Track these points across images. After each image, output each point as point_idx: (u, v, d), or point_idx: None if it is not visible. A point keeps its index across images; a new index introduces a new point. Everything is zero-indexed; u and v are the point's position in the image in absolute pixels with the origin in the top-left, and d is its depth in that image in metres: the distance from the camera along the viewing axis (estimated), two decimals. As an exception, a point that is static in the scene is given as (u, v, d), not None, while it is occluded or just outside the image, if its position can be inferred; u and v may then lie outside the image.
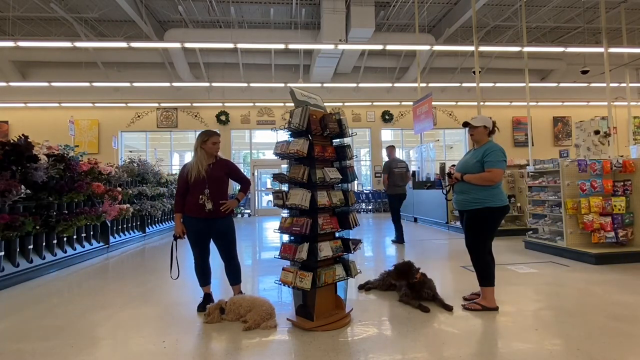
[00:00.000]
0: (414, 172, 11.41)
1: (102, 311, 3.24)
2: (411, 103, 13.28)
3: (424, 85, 13.91)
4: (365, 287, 3.71)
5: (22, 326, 2.92)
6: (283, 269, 2.82)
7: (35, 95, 13.78)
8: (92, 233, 5.94)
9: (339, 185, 2.97)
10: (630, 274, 4.06)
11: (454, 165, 3.49)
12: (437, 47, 12.26)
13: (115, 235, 6.77)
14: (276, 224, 3.07)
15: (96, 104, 14.25)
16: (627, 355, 2.20)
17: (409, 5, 11.66)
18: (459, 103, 15.69)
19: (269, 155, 15.97)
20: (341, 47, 11.17)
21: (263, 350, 2.40)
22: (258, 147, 16.69)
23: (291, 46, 10.14)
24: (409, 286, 3.27)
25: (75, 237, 5.45)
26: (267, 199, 15.24)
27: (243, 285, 3.33)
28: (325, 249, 2.71)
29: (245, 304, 2.88)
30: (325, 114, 2.91)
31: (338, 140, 3.03)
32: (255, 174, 14.30)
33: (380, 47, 10.56)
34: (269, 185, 15.14)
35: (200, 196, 3.05)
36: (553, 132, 16.68)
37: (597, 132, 8.70)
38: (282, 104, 15.03)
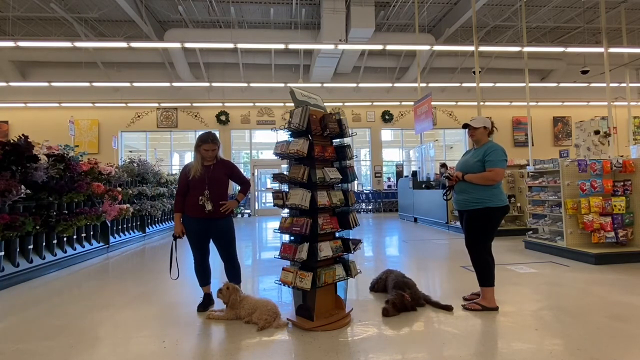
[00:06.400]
0: (414, 172, 11.40)
1: (102, 311, 3.24)
2: (411, 103, 13.29)
3: (424, 85, 13.91)
4: (374, 289, 3.65)
5: (22, 326, 2.92)
6: (283, 269, 2.82)
7: (35, 95, 13.78)
8: (92, 233, 5.94)
9: (339, 185, 2.97)
10: (630, 274, 4.06)
11: (452, 167, 3.46)
12: (437, 47, 12.26)
13: (115, 235, 6.77)
14: (276, 224, 3.07)
15: (96, 104, 14.24)
16: (627, 355, 2.20)
17: (409, 5, 11.66)
18: (459, 103, 15.69)
19: (269, 155, 15.97)
20: (341, 47, 11.17)
21: (263, 350, 2.40)
22: (258, 147, 16.69)
23: (291, 46, 10.14)
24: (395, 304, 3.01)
25: (75, 237, 5.45)
26: (267, 195, 15.22)
27: (243, 285, 3.33)
28: (325, 249, 2.71)
29: (248, 305, 2.89)
30: (325, 114, 2.91)
31: (338, 140, 3.03)
32: (255, 174, 14.31)
33: (380, 47, 10.56)
34: (269, 185, 15.13)
35: (200, 197, 3.05)
36: (553, 132, 16.68)
37: (597, 132, 8.69)
38: (282, 104, 15.03)
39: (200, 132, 3.27)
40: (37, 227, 4.54)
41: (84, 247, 5.67)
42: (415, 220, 10.30)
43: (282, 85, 13.47)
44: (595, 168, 4.71)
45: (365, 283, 3.79)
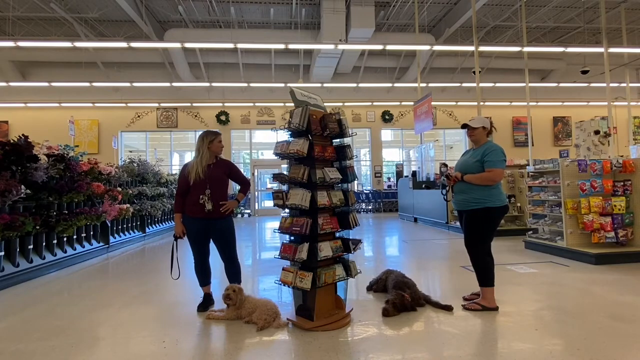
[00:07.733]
0: (414, 172, 11.39)
1: (102, 311, 3.24)
2: (411, 103, 13.30)
3: (424, 85, 13.91)
4: (372, 289, 3.68)
5: (22, 326, 2.92)
6: (283, 269, 2.82)
7: (35, 95, 13.78)
8: (92, 233, 5.94)
9: (339, 185, 2.97)
10: (630, 274, 4.06)
11: (452, 167, 3.45)
12: (437, 47, 12.26)
13: (115, 235, 6.76)
14: (276, 224, 3.07)
15: (96, 104, 14.25)
16: (627, 355, 2.20)
17: (409, 5, 11.66)
18: (459, 103, 15.69)
19: (269, 155, 15.97)
20: (341, 47, 11.17)
21: (263, 350, 2.40)
22: (258, 147, 16.69)
23: (291, 46, 10.13)
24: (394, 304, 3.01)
25: (75, 237, 5.45)
26: (266, 195, 15.23)
27: (243, 285, 3.32)
28: (325, 249, 2.71)
29: (248, 304, 2.90)
30: (325, 114, 2.91)
31: (338, 140, 3.03)
32: (255, 174, 14.31)
33: (380, 47, 10.55)
34: (269, 185, 15.14)
35: (201, 196, 3.06)
36: (553, 132, 16.68)
37: (597, 132, 8.70)
38: (282, 104, 15.03)
39: (200, 132, 3.28)
40: (37, 227, 4.54)
41: (84, 247, 5.67)
42: (415, 220, 10.30)
43: (282, 85, 13.47)
44: (595, 168, 4.71)
45: (366, 283, 3.79)
